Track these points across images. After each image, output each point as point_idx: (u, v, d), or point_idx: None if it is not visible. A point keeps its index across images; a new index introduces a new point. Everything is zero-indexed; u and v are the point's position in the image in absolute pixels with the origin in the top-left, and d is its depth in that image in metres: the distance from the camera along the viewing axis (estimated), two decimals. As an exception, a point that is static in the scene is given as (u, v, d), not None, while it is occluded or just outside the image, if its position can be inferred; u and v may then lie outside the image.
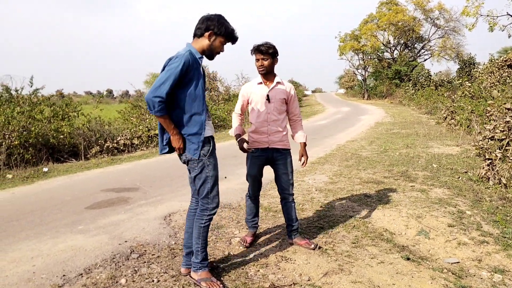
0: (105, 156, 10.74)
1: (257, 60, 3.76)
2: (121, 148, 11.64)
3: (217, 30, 2.97)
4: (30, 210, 5.37)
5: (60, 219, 4.92)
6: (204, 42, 2.99)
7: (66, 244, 4.01)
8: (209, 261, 3.36)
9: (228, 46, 3.15)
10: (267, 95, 3.80)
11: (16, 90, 10.52)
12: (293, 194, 3.97)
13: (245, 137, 3.90)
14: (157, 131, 12.59)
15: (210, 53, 3.05)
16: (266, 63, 3.73)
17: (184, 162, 3.11)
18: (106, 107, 17.75)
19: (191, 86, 2.90)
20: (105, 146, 11.11)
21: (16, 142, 9.02)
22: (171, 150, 3.04)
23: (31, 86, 10.72)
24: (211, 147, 3.03)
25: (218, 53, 3.10)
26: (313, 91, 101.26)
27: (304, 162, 3.99)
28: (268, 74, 3.79)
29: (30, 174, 7.96)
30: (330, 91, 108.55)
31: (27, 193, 6.44)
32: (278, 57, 3.81)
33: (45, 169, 8.44)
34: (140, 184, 6.76)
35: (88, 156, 10.56)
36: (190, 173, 3.10)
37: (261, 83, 3.84)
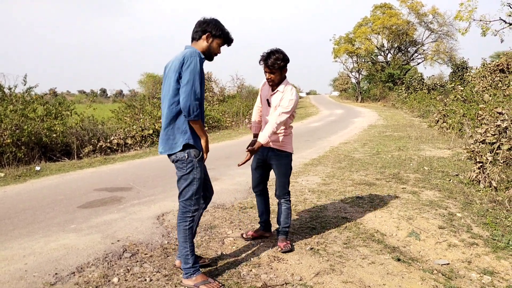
0: (98, 155, 10.71)
1: (265, 72, 3.75)
2: (114, 147, 11.61)
3: (214, 32, 3.08)
4: (22, 208, 5.36)
5: (52, 217, 4.91)
6: (202, 44, 3.08)
7: (58, 243, 4.01)
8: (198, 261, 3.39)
9: (224, 48, 3.25)
10: (267, 100, 3.87)
11: (9, 88, 10.46)
12: (285, 197, 3.96)
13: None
14: (150, 131, 12.61)
15: (209, 54, 3.14)
16: (273, 76, 3.72)
17: (173, 161, 3.09)
18: (100, 107, 17.71)
19: (201, 85, 2.97)
20: (98, 145, 11.08)
21: (9, 141, 8.98)
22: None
23: (25, 85, 10.68)
24: (202, 151, 3.07)
25: (216, 54, 3.18)
26: (308, 93, 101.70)
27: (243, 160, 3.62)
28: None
29: (22, 173, 7.92)
30: (324, 93, 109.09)
31: (19, 191, 6.41)
32: (288, 64, 3.76)
33: (38, 168, 8.40)
34: (133, 184, 6.75)
35: (81, 155, 10.52)
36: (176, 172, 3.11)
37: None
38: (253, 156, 3.85)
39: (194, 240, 3.22)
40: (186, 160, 2.99)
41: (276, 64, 3.63)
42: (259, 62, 3.73)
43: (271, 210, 4.31)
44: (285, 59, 3.70)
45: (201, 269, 3.19)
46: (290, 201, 4.02)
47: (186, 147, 3.00)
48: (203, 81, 3.01)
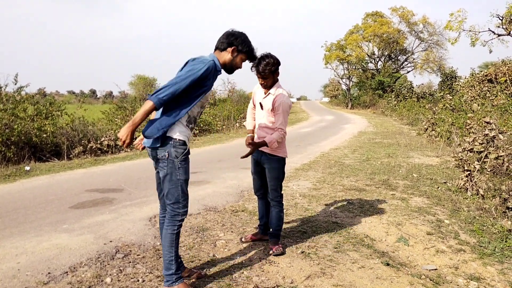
0: (88, 156, 10.67)
1: (258, 77, 3.82)
2: (105, 149, 11.56)
3: (241, 47, 3.05)
4: (13, 208, 5.34)
5: (44, 217, 4.91)
6: (226, 56, 3.04)
7: (50, 243, 4.01)
8: (191, 269, 3.36)
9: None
10: (260, 103, 3.94)
11: (0, 87, 10.39)
12: (277, 201, 4.01)
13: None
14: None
15: (231, 67, 3.11)
16: (266, 82, 3.80)
17: (153, 159, 3.00)
18: (90, 107, 17.58)
19: (197, 91, 2.88)
20: (88, 146, 11.03)
21: (-2, 140, 8.92)
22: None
23: (15, 84, 10.62)
24: (185, 151, 2.94)
25: (237, 68, 3.15)
26: (298, 99, 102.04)
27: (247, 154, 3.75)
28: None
29: (12, 173, 7.87)
30: (314, 99, 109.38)
31: (9, 191, 6.38)
32: (279, 67, 3.83)
33: (27, 168, 8.35)
34: (125, 185, 6.76)
35: (71, 156, 10.47)
36: (159, 173, 3.01)
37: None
38: (252, 158, 4.04)
39: (188, 242, 3.23)
40: (166, 160, 2.88)
41: (267, 69, 3.70)
42: (251, 69, 3.78)
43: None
44: (276, 63, 3.77)
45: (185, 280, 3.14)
46: (282, 204, 4.07)
47: (165, 140, 2.87)
48: (207, 93, 2.95)
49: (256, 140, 3.98)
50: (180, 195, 2.95)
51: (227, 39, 3.03)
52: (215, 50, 3.09)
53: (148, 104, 2.68)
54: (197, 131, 16.47)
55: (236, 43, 3.03)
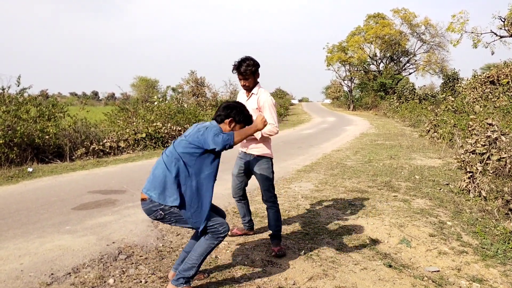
0: (91, 158, 10.69)
1: (239, 79, 3.98)
2: (107, 150, 11.58)
3: (237, 118, 3.21)
4: (15, 209, 5.35)
5: (46, 219, 4.92)
6: (225, 127, 3.19)
7: (53, 244, 4.02)
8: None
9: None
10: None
11: (3, 89, 10.42)
12: (271, 201, 4.07)
13: None
14: (143, 135, 12.61)
15: None
16: (247, 82, 3.97)
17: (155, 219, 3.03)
18: (92, 109, 17.65)
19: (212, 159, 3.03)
20: (90, 148, 11.05)
21: (1, 141, 8.93)
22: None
23: (18, 85, 10.65)
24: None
25: None
26: (300, 100, 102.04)
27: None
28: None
29: (14, 174, 7.89)
30: (316, 101, 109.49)
31: (12, 192, 6.40)
32: (259, 69, 3.99)
33: (30, 169, 8.37)
34: (127, 187, 6.77)
35: (73, 157, 10.49)
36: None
37: (244, 92, 4.16)
38: (236, 162, 4.24)
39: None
40: (164, 216, 2.93)
41: (248, 70, 3.88)
42: (232, 71, 3.96)
43: (264, 216, 4.36)
44: (256, 64, 3.93)
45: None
46: (277, 204, 4.12)
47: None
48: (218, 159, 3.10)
49: (246, 140, 4.09)
50: (208, 220, 2.99)
51: (223, 111, 3.20)
52: (213, 119, 3.26)
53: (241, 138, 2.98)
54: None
55: (232, 115, 3.19)
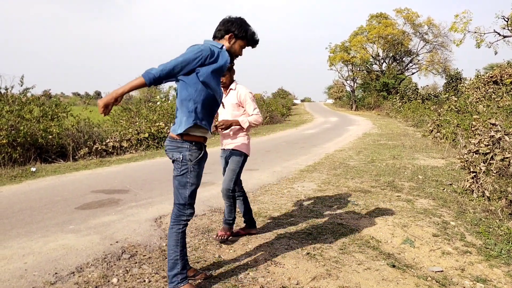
0: (94, 157, 10.71)
1: None
2: (110, 150, 11.62)
3: (238, 32, 2.97)
4: (19, 208, 5.37)
5: (50, 218, 4.93)
6: (224, 44, 2.97)
7: (57, 243, 4.03)
8: (197, 270, 3.35)
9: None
10: (222, 102, 4.01)
11: (6, 89, 10.46)
12: (228, 196, 4.16)
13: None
14: (146, 135, 12.63)
15: (230, 55, 2.97)
16: (225, 79, 4.07)
17: (171, 158, 2.99)
18: (95, 109, 17.64)
19: (197, 78, 2.79)
20: (93, 147, 11.09)
21: (4, 141, 8.97)
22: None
23: (22, 85, 10.69)
24: (200, 155, 2.94)
25: (237, 56, 3.08)
26: (302, 100, 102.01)
27: (219, 124, 4.03)
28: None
29: (18, 174, 7.91)
30: (319, 101, 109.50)
31: (15, 192, 6.41)
32: (234, 65, 4.05)
33: (33, 169, 8.40)
34: (130, 186, 6.78)
35: (76, 157, 10.53)
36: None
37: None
38: (221, 161, 4.33)
39: (193, 243, 3.23)
40: (180, 162, 2.89)
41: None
42: None
43: (267, 215, 4.35)
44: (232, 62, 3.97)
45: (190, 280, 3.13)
46: (232, 197, 4.20)
47: (183, 138, 2.88)
48: (206, 79, 2.81)
49: (224, 136, 4.21)
50: (187, 197, 2.96)
51: (223, 26, 2.97)
52: (213, 39, 3.04)
53: (138, 79, 2.62)
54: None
55: (233, 29, 2.95)
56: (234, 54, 3.05)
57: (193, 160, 2.91)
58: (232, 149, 4.15)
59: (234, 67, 4.13)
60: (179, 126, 2.86)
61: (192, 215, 3.03)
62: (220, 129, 4.05)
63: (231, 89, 4.16)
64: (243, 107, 4.15)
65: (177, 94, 2.92)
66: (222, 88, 4.01)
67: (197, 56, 2.73)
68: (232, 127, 4.13)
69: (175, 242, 2.95)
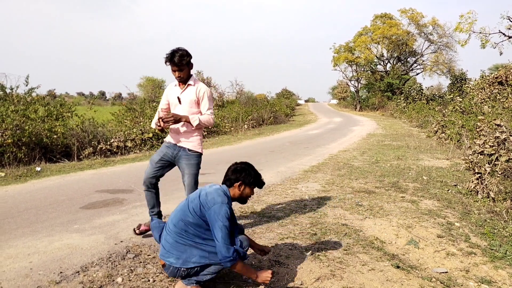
0: (98, 157, 10.74)
1: (174, 71, 3.89)
2: (114, 150, 11.64)
3: (246, 180, 3.23)
4: (24, 208, 5.39)
5: (55, 217, 4.96)
6: (235, 191, 3.23)
7: (62, 242, 4.05)
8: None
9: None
10: (178, 97, 4.00)
11: (11, 89, 10.50)
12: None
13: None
14: (150, 135, 12.65)
15: (241, 199, 3.30)
16: (182, 74, 3.91)
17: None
18: (99, 109, 17.75)
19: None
20: (98, 147, 11.11)
21: (9, 141, 9.00)
22: None
23: (27, 85, 10.73)
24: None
25: (249, 197, 3.35)
26: (306, 101, 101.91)
27: (167, 117, 3.87)
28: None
29: (23, 173, 7.95)
30: (323, 101, 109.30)
31: (20, 191, 6.44)
32: (192, 60, 3.94)
33: (38, 169, 8.43)
34: (135, 186, 6.80)
35: (81, 157, 10.55)
36: None
37: (176, 85, 4.09)
38: (160, 149, 4.16)
39: None
40: (188, 271, 3.01)
41: (183, 60, 3.82)
42: (165, 63, 3.87)
43: (271, 216, 4.33)
44: (189, 55, 3.89)
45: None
46: None
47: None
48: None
49: (179, 132, 4.06)
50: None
51: (232, 175, 3.24)
52: (223, 183, 3.28)
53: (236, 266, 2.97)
54: (206, 133, 16.52)
55: (242, 178, 3.22)
56: (245, 197, 3.32)
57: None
58: (189, 150, 4.04)
59: (192, 61, 3.95)
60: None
61: (247, 247, 3.21)
62: (165, 123, 3.86)
63: (189, 84, 4.01)
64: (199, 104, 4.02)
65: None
66: (177, 83, 4.03)
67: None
68: (181, 123, 3.98)
69: (214, 269, 3.08)
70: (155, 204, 4.32)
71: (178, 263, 2.95)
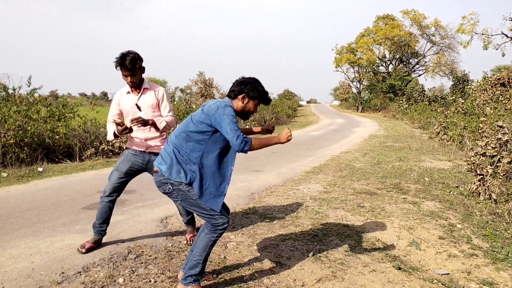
0: (100, 158, 10.75)
1: (125, 76, 3.67)
2: (116, 150, 11.65)
3: (251, 94, 3.10)
4: (26, 208, 5.40)
5: (57, 218, 4.97)
6: (238, 103, 3.10)
7: (64, 243, 4.06)
8: (204, 272, 3.36)
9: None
10: (136, 105, 3.81)
11: (14, 89, 10.53)
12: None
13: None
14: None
15: (244, 114, 3.16)
16: (135, 78, 3.70)
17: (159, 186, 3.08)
18: (101, 110, 17.69)
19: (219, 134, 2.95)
20: (100, 148, 11.12)
21: (12, 141, 9.02)
22: None
23: (29, 86, 10.76)
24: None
25: (252, 113, 3.22)
26: (308, 102, 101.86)
27: (137, 119, 3.63)
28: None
29: (25, 174, 7.96)
30: (324, 102, 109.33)
31: (22, 191, 6.46)
32: (143, 64, 3.74)
33: (40, 169, 8.45)
34: (136, 187, 6.80)
35: (83, 157, 10.57)
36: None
37: (129, 92, 3.85)
38: (126, 158, 3.91)
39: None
40: (172, 191, 2.97)
41: (136, 63, 3.61)
42: (116, 68, 3.63)
43: (272, 217, 4.33)
44: (141, 58, 3.69)
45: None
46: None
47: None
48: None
49: (147, 139, 3.88)
50: (208, 209, 2.98)
51: (237, 87, 3.11)
52: (227, 97, 3.17)
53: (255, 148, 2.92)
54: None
55: (246, 90, 3.09)
56: (248, 113, 3.18)
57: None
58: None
59: (143, 64, 3.75)
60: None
61: (226, 224, 3.04)
62: (135, 125, 3.66)
63: (146, 88, 3.82)
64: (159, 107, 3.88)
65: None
66: (129, 89, 3.81)
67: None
68: (148, 127, 3.82)
69: (203, 247, 3.03)
70: (109, 218, 3.96)
71: (168, 173, 2.90)
